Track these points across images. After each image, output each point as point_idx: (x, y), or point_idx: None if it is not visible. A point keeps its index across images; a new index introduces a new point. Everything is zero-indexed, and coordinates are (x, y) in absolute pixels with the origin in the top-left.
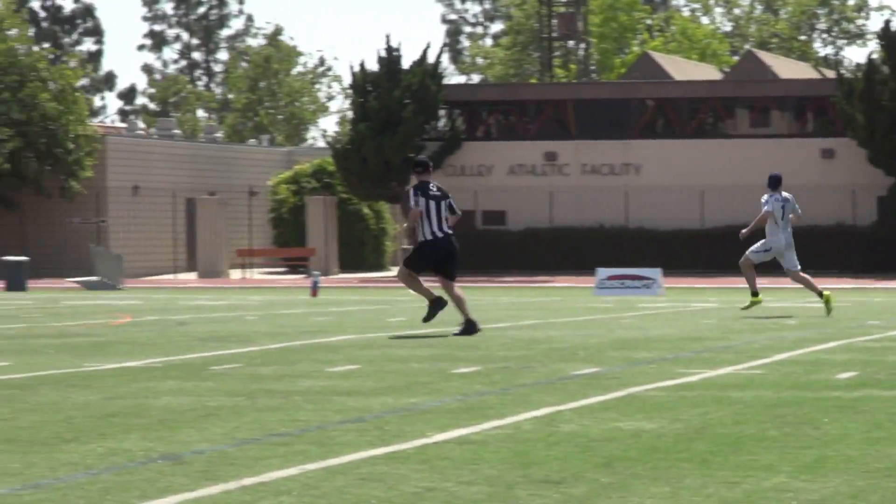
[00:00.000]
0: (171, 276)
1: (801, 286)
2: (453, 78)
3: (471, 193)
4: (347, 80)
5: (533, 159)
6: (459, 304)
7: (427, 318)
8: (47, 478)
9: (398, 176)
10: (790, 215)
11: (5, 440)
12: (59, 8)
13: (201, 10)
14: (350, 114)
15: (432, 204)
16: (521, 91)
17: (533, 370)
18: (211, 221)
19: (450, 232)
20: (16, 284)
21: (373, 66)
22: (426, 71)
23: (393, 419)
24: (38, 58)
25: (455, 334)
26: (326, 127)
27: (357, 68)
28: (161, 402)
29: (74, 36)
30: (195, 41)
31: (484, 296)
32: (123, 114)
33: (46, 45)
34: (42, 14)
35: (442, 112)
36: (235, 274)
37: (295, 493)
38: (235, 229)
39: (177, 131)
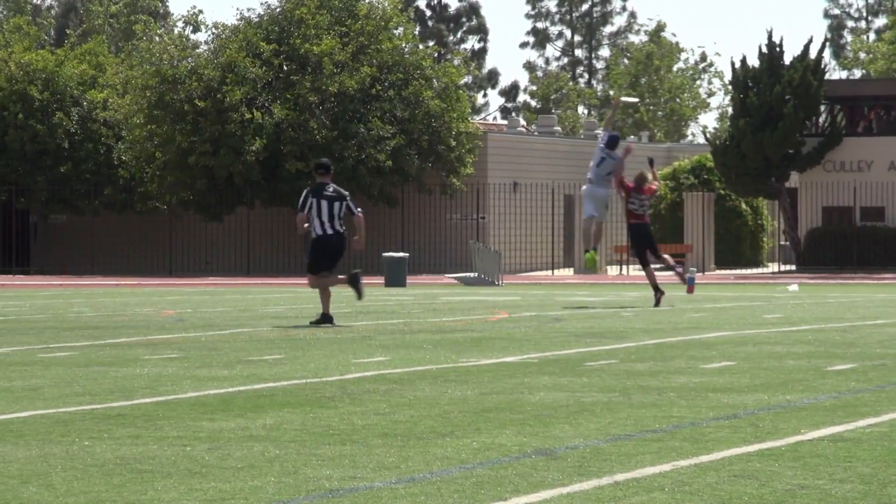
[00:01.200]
0: (547, 273)
1: None
2: (835, 73)
3: (850, 189)
4: (728, 75)
5: None
6: (324, 286)
7: (315, 322)
8: (422, 471)
9: (777, 172)
10: None
11: (382, 434)
12: (445, 7)
13: (584, 7)
14: (730, 110)
15: (324, 203)
16: None
17: None
18: None
19: (341, 230)
20: (395, 280)
21: (754, 61)
22: (807, 66)
23: (767, 416)
24: (423, 56)
25: (312, 323)
26: (706, 123)
27: (738, 64)
28: (536, 398)
29: (459, 34)
30: (578, 38)
31: (860, 292)
32: (505, 111)
33: (431, 44)
34: (428, 13)
35: (822, 108)
36: (612, 270)
37: (667, 490)
38: (613, 225)
39: (557, 128)
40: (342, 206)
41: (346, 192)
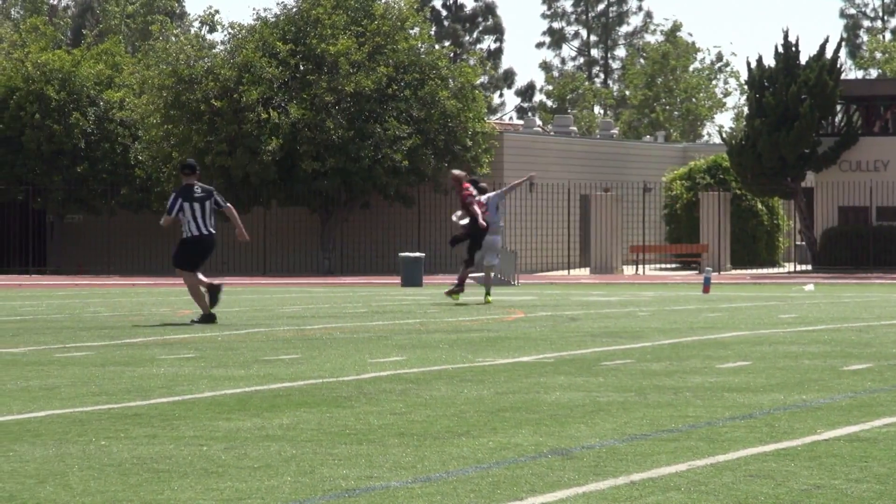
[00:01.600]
0: (564, 272)
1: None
2: (851, 73)
3: (866, 189)
4: (744, 75)
5: None
6: (194, 286)
7: (200, 321)
8: (438, 471)
9: (793, 172)
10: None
11: (398, 434)
12: (461, 7)
13: (600, 7)
14: (746, 109)
15: (196, 205)
16: None
17: None
18: (605, 217)
19: (213, 231)
20: (412, 280)
21: (769, 61)
22: (823, 66)
23: (783, 416)
24: (439, 56)
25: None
26: (722, 123)
27: (753, 63)
28: (552, 398)
29: (475, 34)
30: (593, 38)
31: (876, 291)
32: (521, 111)
33: (447, 44)
34: (444, 13)
35: (838, 107)
36: (628, 270)
37: (683, 489)
38: (629, 225)
39: (573, 128)
40: (212, 204)
41: (212, 188)
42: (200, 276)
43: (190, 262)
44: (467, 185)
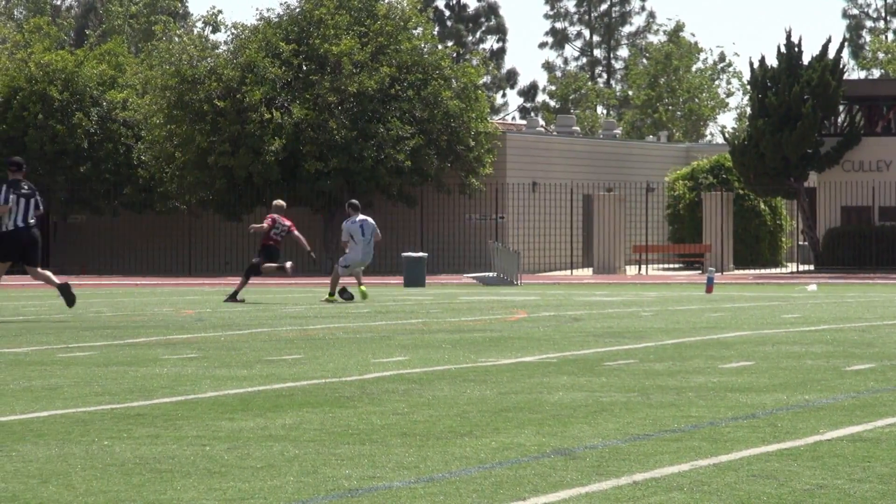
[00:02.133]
0: (566, 272)
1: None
2: (854, 73)
3: (868, 189)
4: (747, 75)
5: None
6: (47, 280)
7: None
8: (441, 471)
9: (796, 172)
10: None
11: (401, 434)
12: (464, 7)
13: (603, 7)
14: (748, 109)
15: (21, 200)
16: None
17: None
18: (608, 217)
19: (32, 223)
20: (414, 280)
21: (772, 61)
22: (826, 66)
23: (786, 416)
24: (442, 56)
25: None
26: (725, 123)
27: (756, 64)
28: (555, 398)
29: (478, 34)
30: (596, 38)
31: (879, 292)
32: (524, 111)
33: (450, 44)
34: (447, 13)
35: (841, 107)
36: (631, 270)
37: (686, 489)
38: (632, 225)
39: (576, 128)
40: (34, 202)
41: (36, 188)
42: (49, 274)
43: (3, 253)
44: (274, 216)
